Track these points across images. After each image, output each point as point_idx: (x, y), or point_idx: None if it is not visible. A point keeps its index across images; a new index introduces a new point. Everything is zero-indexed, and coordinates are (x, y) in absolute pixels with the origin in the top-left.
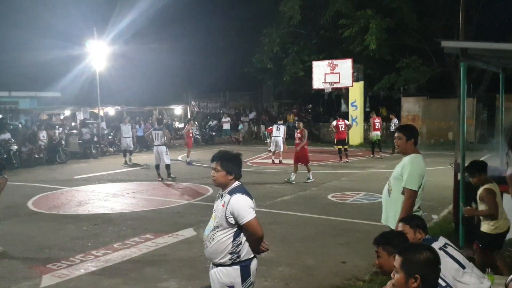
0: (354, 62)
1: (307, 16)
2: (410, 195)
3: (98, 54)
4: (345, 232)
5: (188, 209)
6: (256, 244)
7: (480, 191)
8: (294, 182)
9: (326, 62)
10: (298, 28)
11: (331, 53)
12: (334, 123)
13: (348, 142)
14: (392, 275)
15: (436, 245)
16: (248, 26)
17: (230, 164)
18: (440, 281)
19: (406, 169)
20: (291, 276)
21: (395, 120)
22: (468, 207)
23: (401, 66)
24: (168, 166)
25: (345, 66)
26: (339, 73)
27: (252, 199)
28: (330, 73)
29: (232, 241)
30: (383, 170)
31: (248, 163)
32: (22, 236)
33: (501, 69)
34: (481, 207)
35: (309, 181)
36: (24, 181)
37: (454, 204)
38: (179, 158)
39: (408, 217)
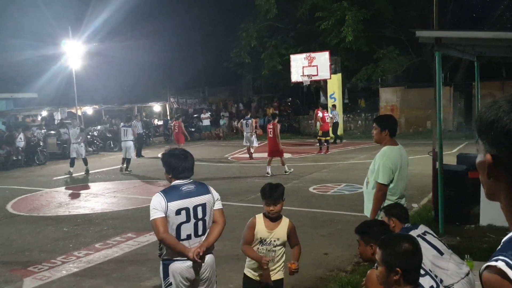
0: (331, 55)
1: (283, 9)
2: (379, 188)
3: (74, 53)
4: (326, 223)
5: None
6: (168, 247)
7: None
8: (270, 174)
9: (303, 55)
10: (275, 22)
11: (309, 46)
12: (320, 114)
13: (333, 133)
14: (375, 267)
15: (414, 233)
16: (225, 20)
17: (166, 166)
18: None
19: (376, 163)
20: None
21: (334, 112)
22: None
23: (378, 57)
24: (128, 161)
25: (322, 59)
26: (317, 66)
27: (170, 200)
28: (308, 66)
29: None
30: (363, 161)
31: (229, 158)
32: (1, 240)
33: (476, 57)
34: None
35: (287, 173)
36: (2, 184)
37: (433, 193)
38: (159, 155)
39: (388, 206)
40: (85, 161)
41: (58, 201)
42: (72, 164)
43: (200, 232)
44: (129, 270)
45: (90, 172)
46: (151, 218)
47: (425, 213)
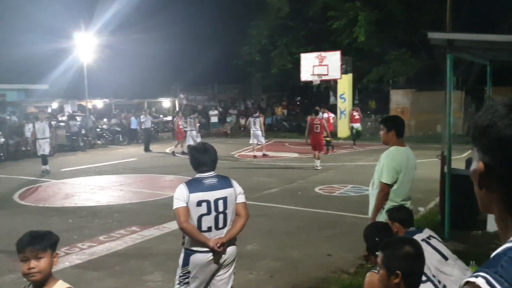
0: (342, 54)
1: (295, 8)
2: (382, 188)
3: (85, 46)
4: (331, 224)
5: None
6: (189, 236)
7: None
8: (320, 167)
9: (314, 54)
10: (287, 20)
11: (320, 45)
12: (325, 115)
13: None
14: (377, 271)
15: (419, 237)
16: (235, 18)
17: (190, 159)
18: None
19: (381, 162)
20: (276, 269)
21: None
22: None
23: (390, 58)
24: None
25: (333, 58)
26: (327, 65)
27: (193, 191)
28: (319, 65)
29: None
30: (371, 162)
31: (235, 156)
32: (7, 229)
33: (488, 61)
34: None
35: (318, 168)
36: (10, 174)
37: (441, 197)
38: (167, 150)
39: (392, 209)
40: (45, 159)
41: (64, 192)
42: (44, 162)
43: (220, 225)
44: (132, 264)
45: (49, 173)
46: (173, 207)
47: (432, 217)
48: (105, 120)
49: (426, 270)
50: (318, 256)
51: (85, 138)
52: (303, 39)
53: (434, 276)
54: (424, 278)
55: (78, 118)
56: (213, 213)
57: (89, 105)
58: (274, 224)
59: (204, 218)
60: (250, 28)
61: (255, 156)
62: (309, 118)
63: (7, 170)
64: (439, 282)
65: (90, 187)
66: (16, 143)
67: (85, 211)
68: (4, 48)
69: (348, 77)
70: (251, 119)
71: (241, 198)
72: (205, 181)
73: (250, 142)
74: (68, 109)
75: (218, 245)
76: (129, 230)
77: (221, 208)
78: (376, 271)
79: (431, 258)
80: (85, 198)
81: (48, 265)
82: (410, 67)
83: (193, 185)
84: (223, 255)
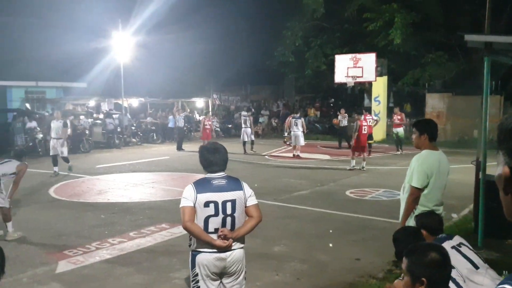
0: (378, 57)
1: (331, 9)
2: (412, 192)
3: (122, 45)
4: (361, 229)
5: None
6: (193, 236)
7: None
8: (362, 168)
9: (349, 56)
10: (322, 21)
11: (355, 47)
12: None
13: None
14: (401, 277)
15: (448, 244)
16: (271, 18)
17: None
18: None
19: (412, 166)
20: (303, 272)
21: (344, 115)
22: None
23: (426, 61)
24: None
25: (368, 60)
26: (362, 67)
27: (200, 191)
28: (353, 67)
29: None
30: (404, 167)
31: (266, 157)
32: (41, 223)
33: None
34: None
35: (364, 169)
36: (47, 169)
37: (475, 203)
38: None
39: (420, 215)
40: (66, 160)
41: (98, 188)
42: (55, 163)
43: (228, 228)
44: (160, 260)
45: (72, 170)
46: (180, 206)
47: (465, 224)
48: (141, 115)
49: (458, 279)
50: (347, 260)
51: (121, 136)
52: (338, 40)
53: (463, 285)
54: (454, 286)
55: (115, 116)
56: (221, 215)
57: (125, 104)
58: (302, 227)
59: (211, 219)
60: (284, 29)
61: (298, 156)
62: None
63: (44, 165)
64: None
65: (123, 183)
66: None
67: (117, 207)
68: (46, 47)
69: (383, 80)
70: (292, 120)
71: (252, 200)
72: (213, 182)
73: (288, 142)
74: (105, 107)
75: (223, 235)
76: (159, 227)
77: (229, 211)
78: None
79: (461, 267)
80: (118, 194)
81: None
82: (447, 71)
83: (201, 185)
84: (229, 256)
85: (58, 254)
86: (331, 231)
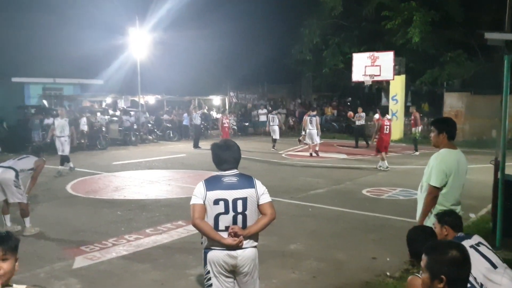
0: (396, 55)
1: (349, 7)
2: (430, 191)
3: (139, 43)
4: (378, 228)
5: None
6: (202, 234)
7: None
8: (387, 168)
9: (367, 54)
10: (340, 20)
11: (373, 45)
12: (376, 116)
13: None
14: (420, 275)
15: (467, 243)
16: (288, 16)
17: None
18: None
19: (430, 165)
20: (319, 270)
21: (362, 114)
22: None
23: (445, 60)
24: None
25: (386, 59)
26: (380, 66)
27: (210, 189)
28: (371, 66)
29: None
30: (422, 166)
31: (283, 155)
32: (59, 218)
33: None
34: None
35: (382, 168)
36: (65, 165)
37: (493, 203)
38: None
39: (442, 213)
40: (67, 159)
41: (114, 185)
42: (62, 162)
43: (240, 226)
44: (176, 257)
45: (73, 170)
46: (190, 203)
47: (483, 224)
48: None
49: (470, 277)
50: (363, 259)
51: (137, 133)
52: (356, 38)
53: (482, 284)
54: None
55: (132, 113)
56: (231, 213)
57: (142, 101)
58: (319, 225)
59: (221, 217)
60: (302, 27)
61: (317, 155)
62: (378, 118)
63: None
64: None
65: (140, 180)
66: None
67: (134, 204)
68: (64, 44)
69: (401, 79)
70: (307, 118)
71: (265, 198)
72: (224, 179)
73: (302, 139)
74: (121, 104)
75: (233, 232)
76: (175, 224)
77: (240, 209)
78: (418, 275)
79: (479, 266)
80: (134, 191)
81: (12, 268)
82: (466, 70)
83: (211, 183)
84: (240, 254)
85: (75, 250)
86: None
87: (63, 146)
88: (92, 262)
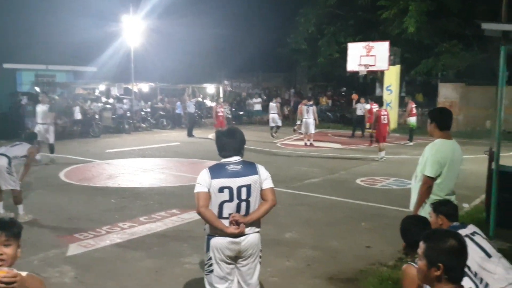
0: (391, 45)
1: None
2: (425, 181)
3: (133, 30)
4: (371, 217)
5: None
6: (206, 222)
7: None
8: (382, 159)
9: (362, 44)
10: (335, 9)
11: (368, 35)
12: (368, 106)
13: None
14: (416, 261)
15: (463, 232)
16: (284, 5)
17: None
18: None
19: (425, 155)
20: (314, 258)
21: (363, 105)
22: None
23: (440, 50)
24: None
25: (381, 49)
26: (375, 56)
27: (215, 177)
28: (366, 56)
29: None
30: (416, 156)
31: (278, 145)
32: (52, 206)
33: None
34: None
35: (380, 158)
36: (57, 153)
37: (487, 194)
38: (210, 136)
39: (438, 202)
40: (52, 148)
41: (108, 173)
42: (51, 150)
43: (243, 213)
44: (171, 245)
45: (55, 162)
46: (194, 191)
47: (476, 214)
48: (149, 103)
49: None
50: (357, 247)
51: (130, 121)
52: (351, 28)
53: (476, 273)
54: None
55: (125, 101)
56: (235, 201)
57: (135, 89)
58: (314, 214)
59: (225, 204)
60: (297, 16)
61: (311, 145)
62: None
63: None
64: (481, 280)
65: (133, 168)
66: (64, 123)
67: (128, 191)
68: (56, 31)
69: (396, 69)
70: (304, 107)
71: (268, 184)
72: (228, 167)
73: (300, 131)
74: (114, 91)
75: (234, 221)
76: (169, 213)
77: (244, 196)
78: (413, 264)
79: (474, 255)
80: (128, 179)
81: (14, 254)
82: (461, 60)
83: (216, 171)
84: (243, 240)
85: (69, 237)
86: (363, 223)
87: (47, 134)
88: (86, 250)
